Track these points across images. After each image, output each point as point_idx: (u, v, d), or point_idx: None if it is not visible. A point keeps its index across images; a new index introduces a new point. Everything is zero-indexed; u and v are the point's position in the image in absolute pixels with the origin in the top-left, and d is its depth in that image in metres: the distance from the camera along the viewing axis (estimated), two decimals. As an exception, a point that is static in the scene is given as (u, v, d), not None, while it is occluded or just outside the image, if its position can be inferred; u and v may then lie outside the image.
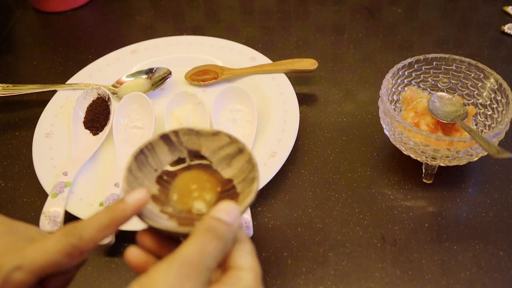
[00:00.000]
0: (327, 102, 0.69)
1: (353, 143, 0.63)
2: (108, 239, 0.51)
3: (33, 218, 0.57)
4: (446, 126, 0.57)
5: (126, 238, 0.53)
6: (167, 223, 0.38)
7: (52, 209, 0.53)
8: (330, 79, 0.73)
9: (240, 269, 0.34)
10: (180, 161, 0.44)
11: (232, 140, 0.43)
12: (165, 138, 0.43)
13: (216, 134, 0.43)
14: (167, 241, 0.38)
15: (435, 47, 0.78)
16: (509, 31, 0.79)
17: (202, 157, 0.44)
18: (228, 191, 0.42)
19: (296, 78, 0.71)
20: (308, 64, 0.70)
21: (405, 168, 0.59)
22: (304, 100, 0.69)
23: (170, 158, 0.43)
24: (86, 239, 0.35)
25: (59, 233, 0.35)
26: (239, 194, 0.41)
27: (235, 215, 0.35)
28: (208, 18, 0.88)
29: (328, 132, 0.65)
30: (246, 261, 0.35)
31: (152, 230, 0.38)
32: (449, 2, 0.87)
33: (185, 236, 0.35)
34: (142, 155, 0.41)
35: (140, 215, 0.37)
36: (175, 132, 0.43)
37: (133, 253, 0.37)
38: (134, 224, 0.52)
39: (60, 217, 0.53)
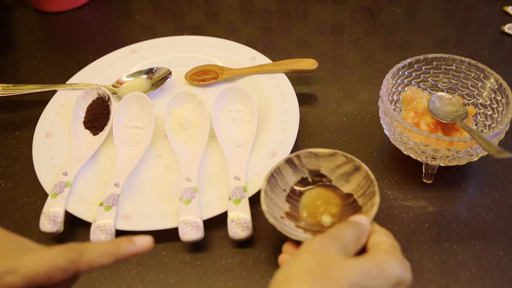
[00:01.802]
0: (327, 102, 0.69)
1: (353, 143, 0.63)
2: (108, 239, 0.51)
3: (33, 218, 0.57)
4: (446, 126, 0.57)
5: (126, 238, 0.53)
6: (304, 236, 0.46)
7: (52, 209, 0.53)
8: (330, 79, 0.73)
9: (376, 244, 0.41)
10: (303, 180, 0.51)
11: (348, 159, 0.50)
12: (289, 162, 0.50)
13: (333, 154, 0.50)
14: None
15: (435, 47, 0.78)
16: (509, 31, 0.79)
17: (322, 176, 0.51)
18: (350, 204, 0.49)
19: (296, 78, 0.71)
20: (308, 64, 0.70)
21: (405, 168, 0.59)
22: (304, 100, 0.69)
23: (295, 178, 0.51)
24: (85, 260, 0.37)
25: (61, 248, 0.37)
26: (361, 207, 0.48)
27: (366, 218, 0.44)
28: (208, 18, 0.88)
29: (328, 132, 0.65)
30: (380, 238, 0.42)
31: (294, 242, 0.45)
32: (449, 2, 0.87)
33: None
34: (272, 178, 0.49)
35: (284, 231, 0.45)
36: (297, 156, 0.50)
37: (285, 258, 0.44)
38: (134, 225, 0.53)
39: (60, 217, 0.53)
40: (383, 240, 0.42)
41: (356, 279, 0.37)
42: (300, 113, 0.63)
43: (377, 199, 0.46)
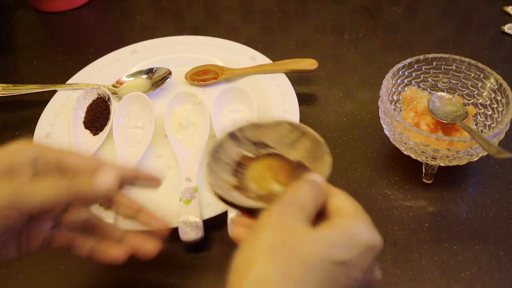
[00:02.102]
0: (327, 102, 0.69)
1: (353, 143, 0.63)
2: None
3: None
4: (446, 126, 0.57)
5: (126, 238, 0.53)
6: (257, 204, 0.41)
7: (52, 209, 0.53)
8: (330, 79, 0.73)
9: (338, 208, 0.37)
10: (248, 153, 0.47)
11: (294, 127, 0.46)
12: (232, 136, 0.46)
13: (277, 124, 0.47)
14: None
15: (435, 47, 0.78)
16: (509, 31, 0.79)
17: (268, 146, 0.48)
18: (300, 171, 0.45)
19: (296, 78, 0.71)
20: (308, 64, 0.70)
21: (405, 168, 0.59)
22: (304, 100, 0.69)
23: (240, 151, 0.47)
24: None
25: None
26: (312, 171, 0.44)
27: (319, 176, 0.39)
28: (208, 18, 0.88)
29: (328, 132, 0.65)
30: (341, 201, 0.37)
31: (244, 215, 0.41)
32: (449, 2, 0.87)
33: None
34: (216, 153, 0.45)
35: (233, 200, 0.41)
36: (240, 129, 0.47)
37: (239, 231, 0.39)
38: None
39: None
40: (345, 204, 0.37)
41: (323, 252, 0.33)
42: (300, 113, 0.63)
43: (328, 158, 0.43)
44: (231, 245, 0.52)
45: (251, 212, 0.40)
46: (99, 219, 0.45)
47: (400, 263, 0.51)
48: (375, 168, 0.59)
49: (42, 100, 0.69)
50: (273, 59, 0.72)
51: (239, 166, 0.46)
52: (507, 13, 0.83)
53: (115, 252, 0.43)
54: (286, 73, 0.69)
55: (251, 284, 0.32)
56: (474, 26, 0.82)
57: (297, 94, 0.65)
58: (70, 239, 0.43)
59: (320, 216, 0.37)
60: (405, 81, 0.61)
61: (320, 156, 0.44)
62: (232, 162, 0.46)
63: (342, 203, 0.37)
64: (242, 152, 0.47)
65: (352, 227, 0.35)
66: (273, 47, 0.79)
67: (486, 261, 0.50)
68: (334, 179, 0.58)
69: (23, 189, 0.36)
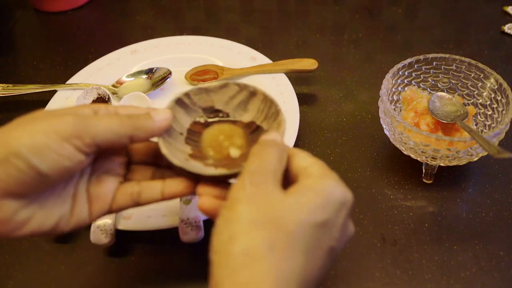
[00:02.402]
0: (327, 102, 0.69)
1: (353, 143, 0.63)
2: (108, 239, 0.51)
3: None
4: (446, 126, 0.57)
5: (126, 238, 0.53)
6: (218, 171, 0.40)
7: (52, 209, 0.53)
8: (330, 79, 0.73)
9: (304, 168, 0.36)
10: (199, 119, 0.46)
11: (241, 87, 0.46)
12: (179, 102, 0.45)
13: (224, 86, 0.46)
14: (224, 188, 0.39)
15: (435, 47, 0.78)
16: (509, 31, 0.79)
17: (218, 111, 0.47)
18: (254, 131, 0.45)
19: (296, 78, 0.71)
20: (308, 64, 0.70)
21: (405, 168, 0.59)
22: (304, 100, 0.69)
23: (190, 119, 0.46)
24: (92, 132, 0.37)
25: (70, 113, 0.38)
26: (267, 130, 0.43)
27: (278, 135, 0.39)
28: (208, 18, 0.88)
29: (328, 132, 0.65)
30: (304, 161, 0.37)
31: (207, 183, 0.40)
32: (449, 2, 0.87)
33: (238, 175, 0.37)
34: None
35: (194, 170, 0.39)
36: (187, 94, 0.45)
37: (205, 201, 0.38)
38: (134, 225, 0.53)
39: (60, 217, 0.53)
40: (309, 163, 0.37)
41: (304, 218, 0.33)
42: (300, 113, 0.63)
43: (282, 116, 0.42)
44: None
45: (214, 180, 0.39)
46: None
47: (400, 263, 0.51)
48: (375, 168, 0.59)
49: (42, 100, 0.69)
50: (273, 59, 0.72)
51: (192, 134, 0.45)
52: (507, 13, 0.83)
53: (181, 186, 0.41)
54: (286, 73, 0.69)
55: (238, 260, 0.31)
56: (474, 26, 0.82)
57: (297, 94, 0.65)
58: (136, 194, 0.41)
59: (284, 177, 0.37)
60: (405, 81, 0.61)
61: (273, 114, 0.44)
62: (184, 131, 0.45)
63: (306, 163, 0.37)
64: (193, 120, 0.46)
65: (324, 186, 0.35)
66: (273, 47, 0.79)
67: (486, 261, 0.50)
68: (334, 179, 0.59)
69: (87, 120, 0.37)
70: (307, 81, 0.72)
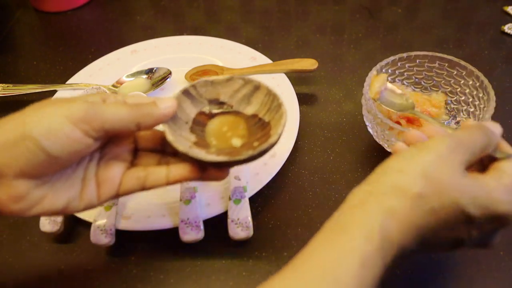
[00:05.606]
0: (327, 102, 0.69)
1: (353, 143, 0.63)
2: (108, 239, 0.51)
3: (33, 218, 0.57)
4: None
5: (126, 238, 0.53)
6: (219, 158, 0.42)
7: (52, 209, 0.53)
8: (330, 79, 0.73)
9: (501, 171, 0.38)
10: (204, 110, 0.48)
11: (246, 81, 0.48)
12: (186, 93, 0.47)
13: (230, 79, 0.48)
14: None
15: (435, 47, 0.78)
16: (509, 31, 0.79)
17: (223, 103, 0.49)
18: (256, 123, 0.47)
19: (296, 78, 0.71)
20: (308, 64, 0.70)
21: (405, 168, 0.59)
22: (304, 100, 0.69)
23: (195, 109, 0.48)
24: (100, 118, 0.38)
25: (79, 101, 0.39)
26: (269, 123, 0.46)
27: (499, 127, 0.40)
28: (208, 18, 0.88)
29: (328, 132, 0.65)
30: (509, 168, 0.38)
31: (210, 169, 0.43)
32: (449, 2, 0.87)
33: (239, 162, 0.41)
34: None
35: (195, 155, 0.41)
36: (193, 86, 0.47)
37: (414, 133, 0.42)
38: (134, 225, 0.53)
39: (60, 217, 0.53)
40: (509, 172, 0.37)
41: (462, 202, 0.35)
42: (300, 113, 0.63)
43: (283, 108, 0.45)
44: (231, 245, 0.52)
45: (215, 166, 0.42)
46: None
47: (399, 263, 0.50)
48: (375, 168, 0.59)
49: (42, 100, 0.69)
50: (273, 59, 0.72)
51: (197, 124, 0.47)
52: (507, 13, 0.83)
53: (184, 171, 0.42)
54: (286, 73, 0.69)
55: (390, 185, 0.36)
56: (474, 26, 0.82)
57: (297, 94, 0.65)
58: (142, 179, 0.42)
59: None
60: (389, 78, 0.61)
61: (275, 107, 0.46)
62: (190, 121, 0.47)
63: (508, 169, 0.38)
64: (198, 111, 0.48)
65: (500, 194, 0.36)
66: (273, 47, 0.79)
67: (486, 261, 0.50)
68: (334, 179, 0.59)
69: (97, 106, 0.38)
70: (307, 81, 0.72)
